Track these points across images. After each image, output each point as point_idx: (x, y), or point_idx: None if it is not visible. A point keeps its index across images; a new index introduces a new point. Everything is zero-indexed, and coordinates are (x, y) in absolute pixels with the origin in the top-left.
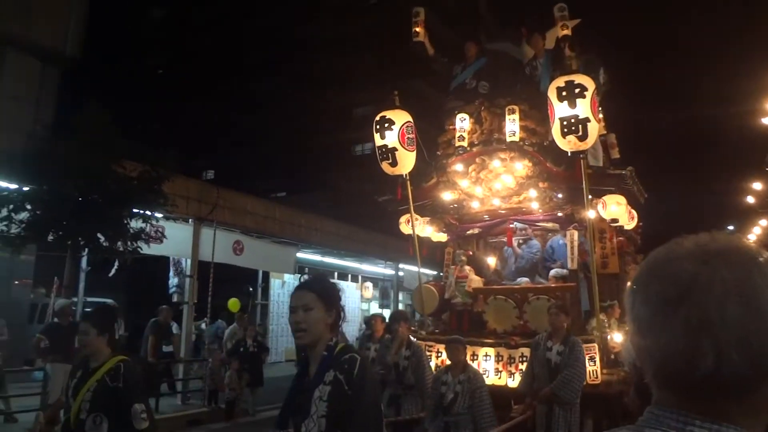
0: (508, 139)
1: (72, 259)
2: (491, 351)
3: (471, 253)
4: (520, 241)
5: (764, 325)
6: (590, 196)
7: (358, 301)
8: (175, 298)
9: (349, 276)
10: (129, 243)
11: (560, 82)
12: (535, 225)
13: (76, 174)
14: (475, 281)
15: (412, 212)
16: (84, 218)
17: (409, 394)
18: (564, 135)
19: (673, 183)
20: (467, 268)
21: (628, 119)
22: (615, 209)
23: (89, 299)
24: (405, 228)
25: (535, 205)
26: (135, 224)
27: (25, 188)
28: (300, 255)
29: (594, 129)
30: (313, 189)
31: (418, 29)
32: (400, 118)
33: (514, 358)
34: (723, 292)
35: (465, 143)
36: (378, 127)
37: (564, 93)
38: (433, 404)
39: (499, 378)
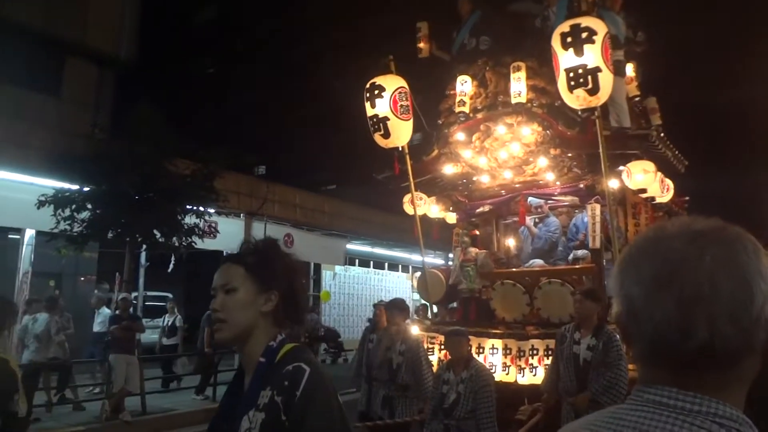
0: (513, 101)
1: (131, 255)
2: (498, 343)
3: (477, 233)
4: (537, 220)
5: (753, 298)
6: (609, 164)
7: (409, 291)
8: None
9: (400, 267)
10: (184, 238)
11: (565, 27)
12: (552, 199)
13: (131, 173)
14: (484, 264)
15: (413, 189)
16: (140, 215)
17: (405, 396)
18: (571, 89)
19: (739, 167)
20: (473, 250)
21: (690, 102)
22: (641, 178)
23: (149, 293)
24: (408, 208)
25: (550, 177)
26: (189, 220)
27: (86, 188)
28: (350, 246)
29: (607, 80)
30: (363, 181)
31: (422, 45)
32: (392, 83)
33: (524, 351)
34: (713, 268)
35: (467, 108)
36: (368, 95)
37: (569, 39)
38: (434, 406)
39: (507, 374)
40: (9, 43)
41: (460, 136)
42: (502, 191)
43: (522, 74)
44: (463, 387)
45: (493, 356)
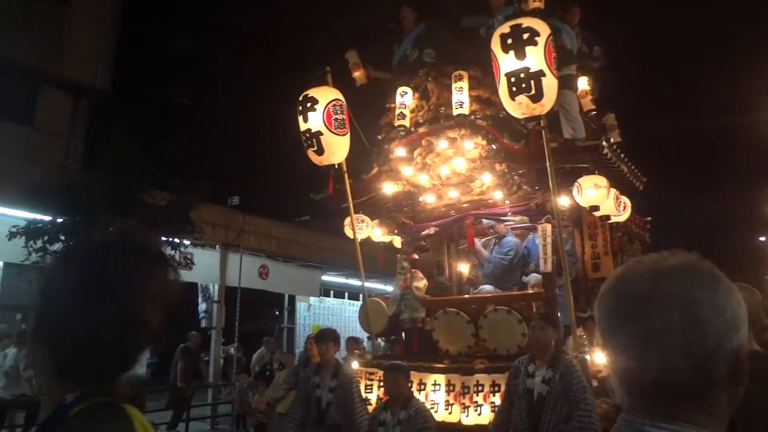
0: (455, 112)
1: None
2: (441, 378)
3: (416, 257)
4: (495, 241)
5: (704, 333)
6: (559, 179)
7: None
8: (203, 324)
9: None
10: None
11: (505, 28)
12: (501, 219)
13: (106, 204)
14: (420, 289)
15: (352, 210)
16: None
17: None
18: (513, 96)
19: (702, 192)
20: (415, 274)
21: (653, 128)
22: (593, 194)
23: None
24: (349, 231)
25: (498, 195)
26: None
27: (59, 219)
28: (325, 278)
29: (551, 86)
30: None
31: (356, 74)
32: (326, 95)
33: (468, 387)
34: (666, 305)
35: (407, 122)
36: (300, 108)
37: (510, 41)
38: None
39: (450, 413)
40: None
41: (400, 151)
42: (452, 212)
43: (464, 84)
44: (400, 429)
45: (435, 393)
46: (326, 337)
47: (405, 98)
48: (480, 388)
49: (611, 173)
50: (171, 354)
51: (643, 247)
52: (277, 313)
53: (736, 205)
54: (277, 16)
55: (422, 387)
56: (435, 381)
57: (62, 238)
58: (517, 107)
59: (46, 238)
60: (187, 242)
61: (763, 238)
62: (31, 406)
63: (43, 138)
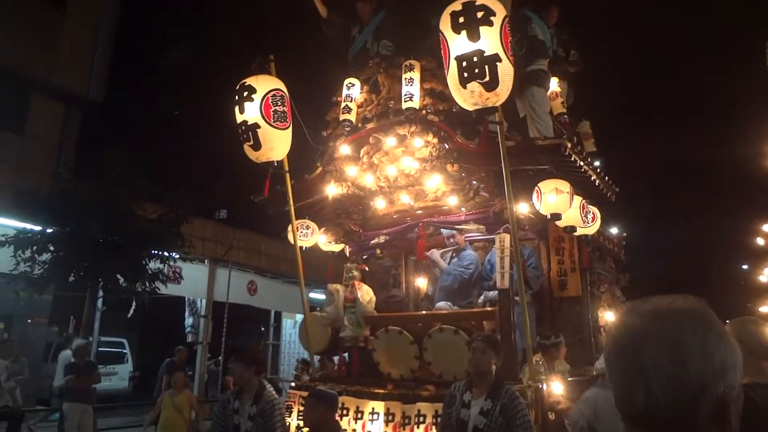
0: (404, 105)
1: (90, 299)
2: (380, 406)
3: (366, 267)
4: (453, 254)
5: (689, 377)
6: (520, 184)
7: None
8: (189, 338)
9: None
10: (147, 284)
11: (456, 5)
12: (456, 228)
13: (97, 215)
14: (367, 303)
15: (293, 214)
16: (104, 259)
17: None
18: (464, 82)
19: (686, 220)
20: (359, 286)
21: (638, 155)
22: (553, 200)
23: (104, 338)
24: (291, 237)
25: (454, 201)
26: (153, 265)
27: (49, 230)
28: (312, 295)
29: (508, 73)
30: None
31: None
32: (265, 84)
33: (409, 417)
34: (657, 346)
35: (352, 116)
36: (237, 98)
37: (461, 19)
38: None
39: None
40: None
41: (345, 149)
42: (407, 218)
43: (415, 75)
44: None
45: (372, 423)
46: (246, 357)
47: (352, 90)
48: (421, 418)
49: (577, 179)
50: (155, 368)
51: (617, 266)
52: (262, 329)
53: (721, 231)
54: (274, 30)
55: (359, 416)
56: (373, 409)
57: (51, 248)
58: (469, 96)
59: (35, 248)
60: (176, 256)
61: (746, 266)
62: (13, 417)
63: (34, 146)
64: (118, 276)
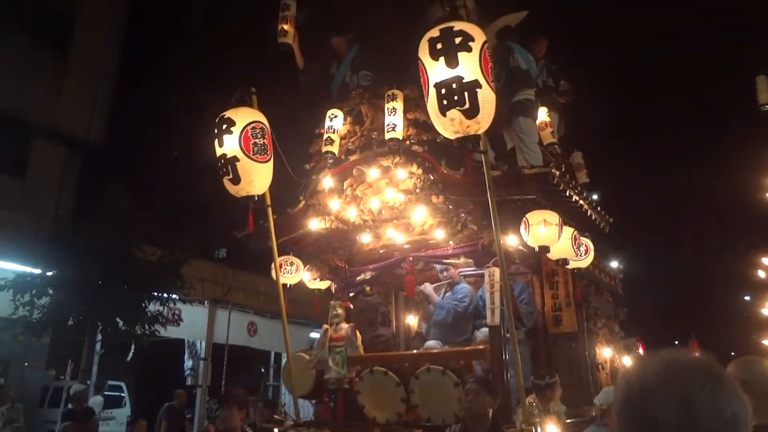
0: (387, 135)
1: (89, 343)
2: None
3: (350, 305)
4: (446, 288)
5: (696, 429)
6: (509, 216)
7: None
8: (189, 381)
9: None
10: (147, 326)
11: (434, 31)
12: (444, 263)
13: (97, 258)
14: (353, 343)
15: (275, 251)
16: (104, 302)
17: None
18: (444, 110)
19: (685, 252)
20: (345, 326)
21: (635, 186)
22: (543, 231)
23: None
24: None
25: (441, 235)
26: (153, 307)
27: (48, 273)
28: (313, 334)
29: (488, 100)
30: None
31: (285, 26)
32: (245, 117)
33: None
34: (668, 401)
35: (335, 148)
36: (216, 131)
37: (439, 46)
38: None
39: None
40: None
41: (328, 182)
42: (395, 253)
43: (398, 104)
44: None
45: None
46: (229, 400)
47: (334, 122)
48: None
49: (568, 210)
50: (155, 412)
51: (615, 300)
52: (262, 369)
53: (721, 262)
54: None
55: None
56: None
57: (50, 292)
58: (449, 124)
59: (34, 291)
60: (176, 297)
61: (748, 298)
62: None
63: (34, 188)
64: (118, 319)
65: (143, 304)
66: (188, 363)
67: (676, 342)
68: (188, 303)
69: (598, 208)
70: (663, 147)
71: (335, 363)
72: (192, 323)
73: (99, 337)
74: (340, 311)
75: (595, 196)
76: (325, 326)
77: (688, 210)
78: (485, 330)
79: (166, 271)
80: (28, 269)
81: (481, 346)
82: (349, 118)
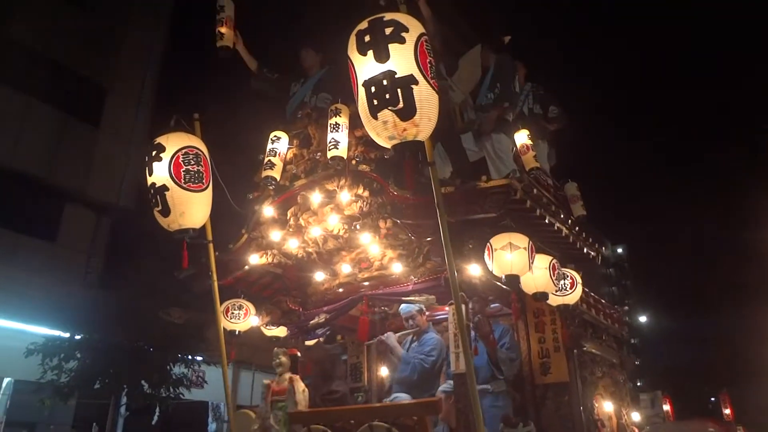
0: (329, 154)
1: (114, 406)
2: None
3: (297, 353)
4: (412, 338)
5: None
6: (471, 243)
7: None
8: None
9: None
10: (171, 389)
11: (362, 24)
12: (403, 300)
13: (125, 322)
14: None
15: (216, 291)
16: (130, 365)
17: None
18: (374, 112)
19: (721, 305)
20: (288, 377)
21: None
22: (509, 258)
23: None
24: (224, 321)
25: (398, 268)
26: (177, 370)
27: (77, 336)
28: None
29: (428, 98)
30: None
31: (222, 29)
32: (176, 142)
33: None
34: None
35: (276, 172)
36: (147, 159)
37: (367, 38)
38: None
39: None
40: (9, 189)
41: (269, 211)
42: (358, 291)
43: (342, 120)
44: None
45: None
46: None
47: (277, 144)
48: None
49: (547, 237)
50: None
51: (618, 345)
52: None
53: (752, 318)
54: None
55: None
56: None
57: (78, 355)
58: (382, 128)
59: (62, 355)
60: (200, 359)
61: None
62: None
63: (64, 253)
64: (143, 382)
65: (168, 367)
66: (212, 426)
67: (711, 398)
68: (212, 365)
69: (582, 234)
70: (694, 196)
71: (276, 421)
72: (216, 385)
73: (124, 399)
74: (283, 359)
75: (620, 250)
76: (266, 381)
77: (719, 259)
78: (450, 382)
79: (191, 333)
80: (57, 332)
81: (435, 398)
82: (296, 141)
